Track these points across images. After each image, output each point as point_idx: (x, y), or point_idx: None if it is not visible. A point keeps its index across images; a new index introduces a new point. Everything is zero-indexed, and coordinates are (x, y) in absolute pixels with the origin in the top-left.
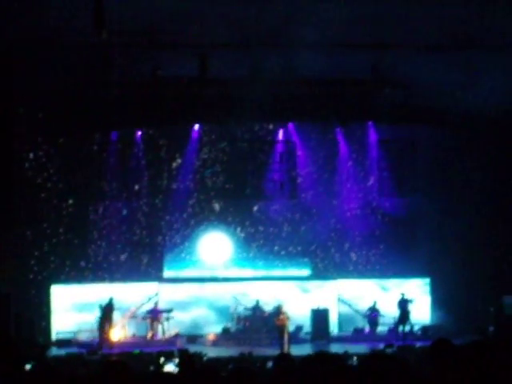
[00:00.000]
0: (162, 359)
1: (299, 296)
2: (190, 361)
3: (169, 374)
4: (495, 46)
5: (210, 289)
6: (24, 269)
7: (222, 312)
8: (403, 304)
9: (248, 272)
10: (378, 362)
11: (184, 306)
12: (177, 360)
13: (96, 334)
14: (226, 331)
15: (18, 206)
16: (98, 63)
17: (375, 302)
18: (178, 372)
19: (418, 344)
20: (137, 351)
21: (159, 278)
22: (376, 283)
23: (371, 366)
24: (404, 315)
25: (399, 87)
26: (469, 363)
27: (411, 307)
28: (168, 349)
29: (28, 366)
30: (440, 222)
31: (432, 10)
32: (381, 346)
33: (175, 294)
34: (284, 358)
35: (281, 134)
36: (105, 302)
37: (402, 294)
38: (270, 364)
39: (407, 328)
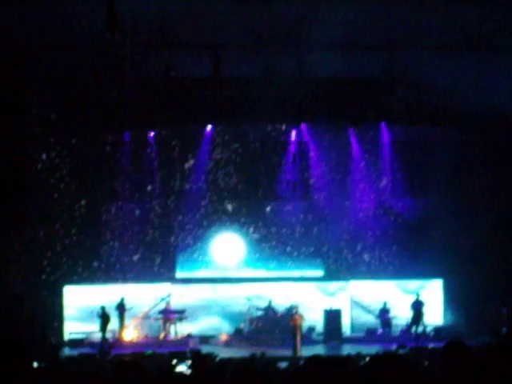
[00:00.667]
0: (174, 361)
1: (313, 297)
2: (202, 361)
3: (181, 374)
4: (509, 46)
5: (222, 291)
6: (37, 269)
7: (235, 318)
8: (417, 305)
9: (261, 273)
10: (390, 362)
11: (195, 312)
12: (189, 361)
13: (109, 334)
14: (238, 332)
15: (30, 207)
16: (111, 63)
17: (385, 303)
18: (191, 373)
19: (431, 345)
20: (149, 352)
21: (172, 279)
22: (397, 285)
23: (383, 367)
24: (417, 316)
25: (412, 88)
26: (481, 365)
27: (424, 309)
28: (180, 349)
29: (36, 365)
30: (453, 223)
31: (445, 10)
32: (393, 347)
33: (187, 298)
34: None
35: (293, 135)
36: (114, 302)
37: (417, 295)
38: (282, 365)
39: (420, 329)
